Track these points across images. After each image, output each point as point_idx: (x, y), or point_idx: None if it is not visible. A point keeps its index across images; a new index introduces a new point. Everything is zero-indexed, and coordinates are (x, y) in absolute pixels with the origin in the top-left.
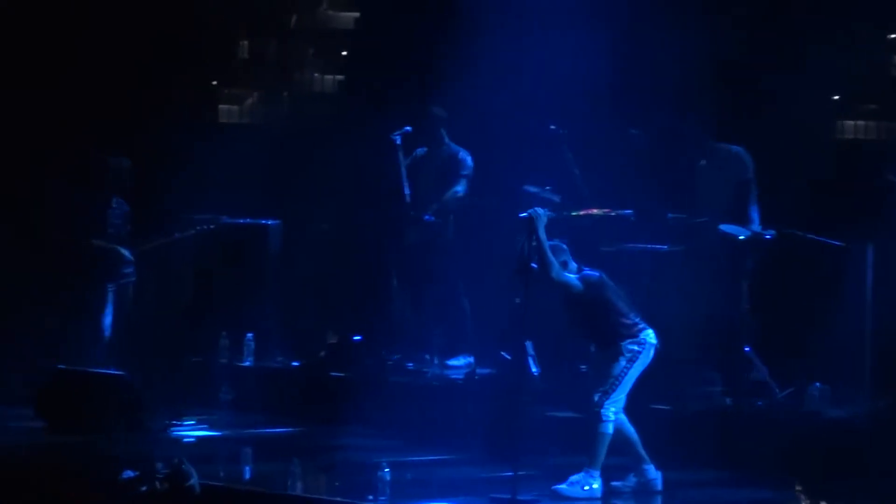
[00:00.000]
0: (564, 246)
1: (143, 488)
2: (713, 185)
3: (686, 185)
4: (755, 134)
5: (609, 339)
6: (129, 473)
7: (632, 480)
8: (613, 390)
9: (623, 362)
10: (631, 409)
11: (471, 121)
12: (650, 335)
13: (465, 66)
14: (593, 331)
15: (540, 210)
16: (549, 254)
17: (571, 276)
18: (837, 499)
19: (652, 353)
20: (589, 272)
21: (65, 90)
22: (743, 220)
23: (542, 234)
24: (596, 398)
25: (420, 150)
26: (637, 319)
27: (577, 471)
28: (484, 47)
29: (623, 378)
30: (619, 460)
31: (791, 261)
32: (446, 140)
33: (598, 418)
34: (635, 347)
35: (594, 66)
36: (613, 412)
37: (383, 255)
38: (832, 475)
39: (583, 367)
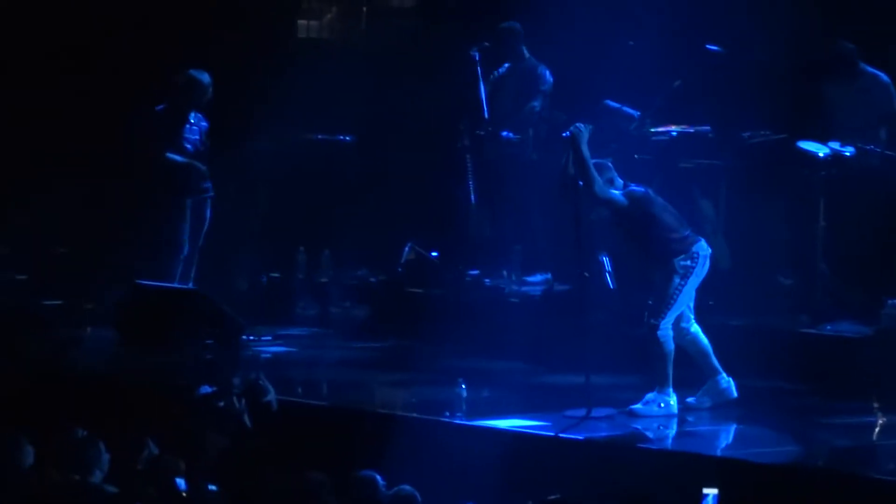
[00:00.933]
0: (609, 164)
1: (220, 403)
2: (853, 110)
3: (767, 102)
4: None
5: (660, 256)
6: (206, 389)
7: (705, 396)
8: (668, 308)
9: (676, 280)
10: (708, 326)
11: (551, 35)
12: (703, 246)
13: None
14: (643, 248)
15: (581, 126)
16: (593, 170)
17: (616, 192)
18: None
19: (706, 264)
20: (635, 187)
21: (149, 6)
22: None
23: (586, 151)
24: (652, 320)
25: (502, 68)
26: (687, 233)
27: (653, 388)
28: None
29: (678, 295)
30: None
31: (870, 178)
32: (527, 55)
33: (655, 339)
34: (688, 262)
35: None
36: (670, 328)
37: (461, 171)
38: None
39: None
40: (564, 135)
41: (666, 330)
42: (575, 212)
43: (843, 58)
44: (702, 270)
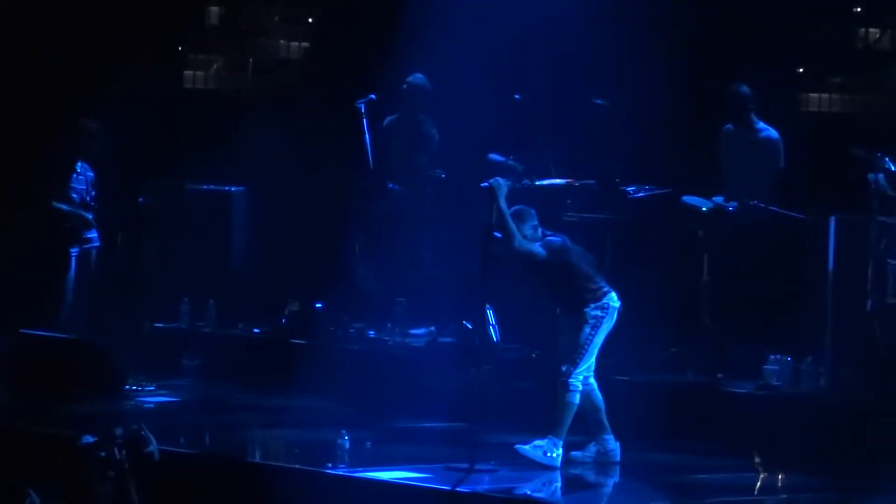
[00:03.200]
0: (532, 210)
1: (102, 454)
2: (741, 164)
3: (652, 157)
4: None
5: (573, 304)
6: (88, 438)
7: (591, 450)
8: (581, 359)
9: (587, 329)
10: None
11: (438, 89)
12: (613, 298)
13: (431, 33)
14: (558, 297)
15: (501, 180)
16: (511, 223)
17: (535, 244)
18: (795, 471)
19: (615, 316)
20: (551, 237)
21: (34, 56)
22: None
23: (503, 204)
24: (564, 368)
25: (389, 118)
26: (601, 283)
27: (545, 435)
28: (450, 16)
29: (589, 345)
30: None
31: (753, 233)
32: (417, 110)
33: (565, 388)
34: (598, 313)
35: (560, 33)
36: (581, 381)
37: (347, 223)
38: (791, 448)
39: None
40: (483, 185)
41: (576, 381)
42: (484, 262)
43: (738, 102)
44: (610, 322)
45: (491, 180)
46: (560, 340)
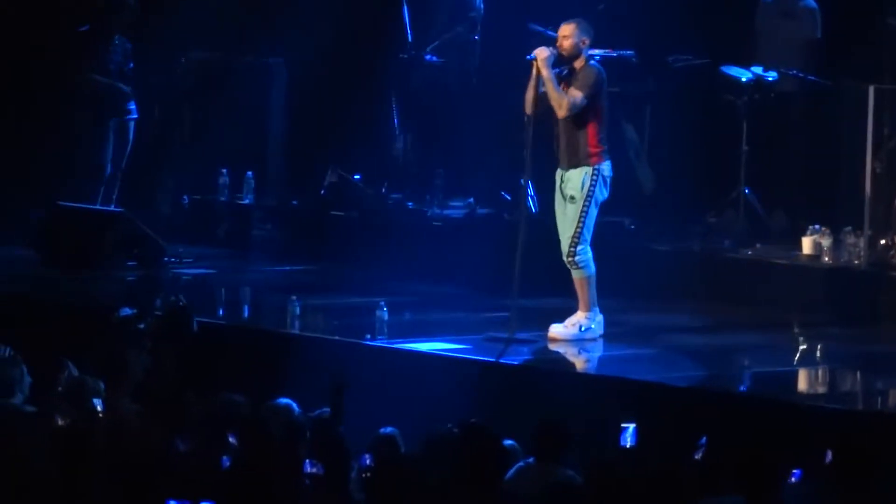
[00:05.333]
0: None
1: (140, 325)
2: (779, 35)
3: (690, 27)
4: None
5: (577, 157)
6: (126, 311)
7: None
8: (580, 233)
9: (582, 203)
10: (631, 248)
11: None
12: (608, 167)
13: None
14: (568, 142)
15: (547, 49)
16: (559, 89)
17: (578, 95)
18: (832, 340)
19: (608, 185)
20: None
21: None
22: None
23: (551, 73)
24: (567, 248)
25: None
26: (605, 145)
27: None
28: None
29: (585, 218)
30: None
31: (792, 103)
32: None
33: (575, 265)
34: (590, 182)
35: None
36: (586, 252)
37: (386, 94)
38: (829, 318)
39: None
40: (529, 57)
41: (583, 255)
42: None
43: None
44: (602, 192)
45: (536, 51)
46: (558, 218)
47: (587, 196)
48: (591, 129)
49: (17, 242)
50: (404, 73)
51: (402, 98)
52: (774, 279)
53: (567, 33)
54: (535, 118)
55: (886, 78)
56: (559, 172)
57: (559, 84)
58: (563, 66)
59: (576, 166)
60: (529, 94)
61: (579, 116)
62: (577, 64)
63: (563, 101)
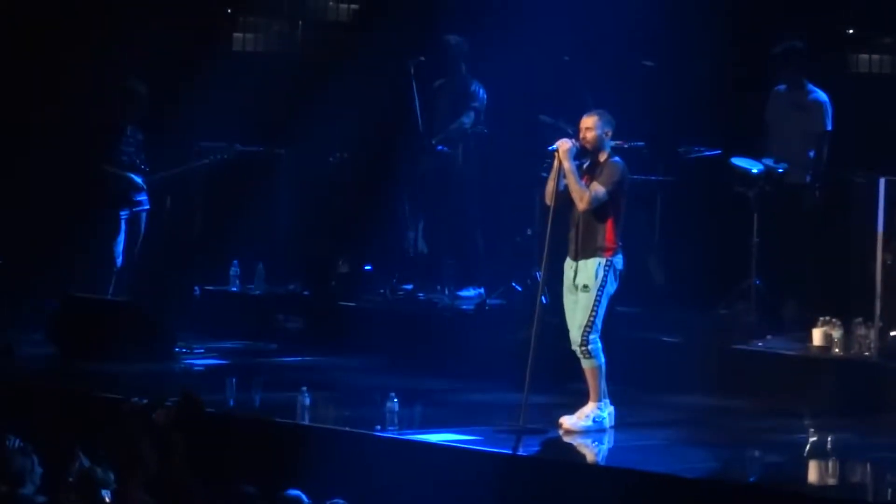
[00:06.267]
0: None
1: (152, 415)
2: (788, 126)
3: (700, 118)
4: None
5: (593, 249)
6: (137, 401)
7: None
8: (593, 321)
9: (595, 292)
10: (640, 341)
11: (486, 50)
12: (620, 261)
13: None
14: (585, 234)
15: (569, 141)
16: (581, 182)
17: (600, 189)
18: (843, 430)
19: (619, 278)
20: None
21: (84, 19)
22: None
23: (573, 164)
24: (579, 337)
25: (438, 81)
26: (621, 242)
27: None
28: None
29: (598, 307)
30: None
31: (803, 195)
32: (463, 71)
33: (586, 355)
34: (603, 272)
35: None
36: (598, 342)
37: (396, 183)
38: (839, 411)
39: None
40: (551, 149)
41: (594, 344)
42: (553, 221)
43: (793, 57)
44: (613, 284)
45: (559, 142)
46: (567, 308)
47: (600, 286)
48: (610, 224)
49: (30, 331)
50: (414, 161)
51: (412, 187)
52: (785, 371)
53: (590, 125)
54: (555, 209)
55: None
56: (570, 263)
57: (581, 176)
58: (584, 158)
59: (590, 256)
60: (550, 186)
61: (599, 210)
62: (601, 157)
63: (585, 194)
